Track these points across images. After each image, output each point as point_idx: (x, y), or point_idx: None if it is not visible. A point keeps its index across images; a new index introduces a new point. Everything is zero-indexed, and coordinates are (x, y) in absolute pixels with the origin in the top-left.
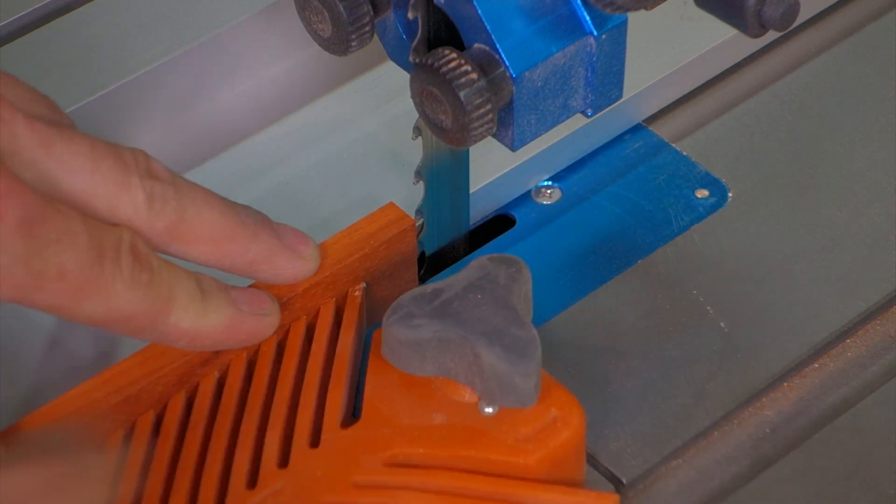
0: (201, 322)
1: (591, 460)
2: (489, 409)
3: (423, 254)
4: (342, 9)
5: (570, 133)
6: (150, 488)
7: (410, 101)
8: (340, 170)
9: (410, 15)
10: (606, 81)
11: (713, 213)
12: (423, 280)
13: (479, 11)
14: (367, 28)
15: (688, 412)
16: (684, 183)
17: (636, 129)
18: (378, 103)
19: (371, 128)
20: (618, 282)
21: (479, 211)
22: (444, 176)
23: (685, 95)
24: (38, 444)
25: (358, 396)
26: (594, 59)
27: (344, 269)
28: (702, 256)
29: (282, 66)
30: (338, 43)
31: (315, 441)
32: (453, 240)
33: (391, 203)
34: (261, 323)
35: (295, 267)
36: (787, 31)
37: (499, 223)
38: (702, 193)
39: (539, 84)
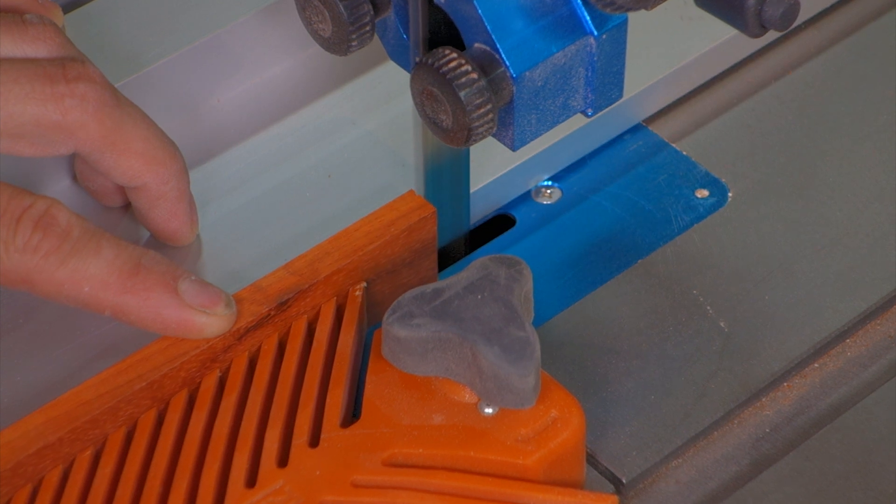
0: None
1: (591, 460)
2: (489, 410)
3: None
4: (342, 9)
5: (570, 133)
6: (150, 485)
7: (410, 101)
8: (340, 170)
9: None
10: (606, 81)
11: (713, 212)
12: None
13: (480, 11)
14: (368, 28)
15: (688, 412)
16: (684, 183)
17: (636, 129)
18: (378, 103)
19: (371, 128)
20: (618, 281)
21: (479, 211)
22: (444, 176)
23: (685, 95)
24: None
25: (358, 396)
26: (594, 59)
27: (365, 256)
28: (702, 256)
29: (282, 66)
30: (338, 43)
31: (314, 440)
32: (453, 240)
33: (411, 191)
34: (196, 321)
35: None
36: (787, 31)
37: (499, 223)
38: (702, 193)
39: (539, 84)
